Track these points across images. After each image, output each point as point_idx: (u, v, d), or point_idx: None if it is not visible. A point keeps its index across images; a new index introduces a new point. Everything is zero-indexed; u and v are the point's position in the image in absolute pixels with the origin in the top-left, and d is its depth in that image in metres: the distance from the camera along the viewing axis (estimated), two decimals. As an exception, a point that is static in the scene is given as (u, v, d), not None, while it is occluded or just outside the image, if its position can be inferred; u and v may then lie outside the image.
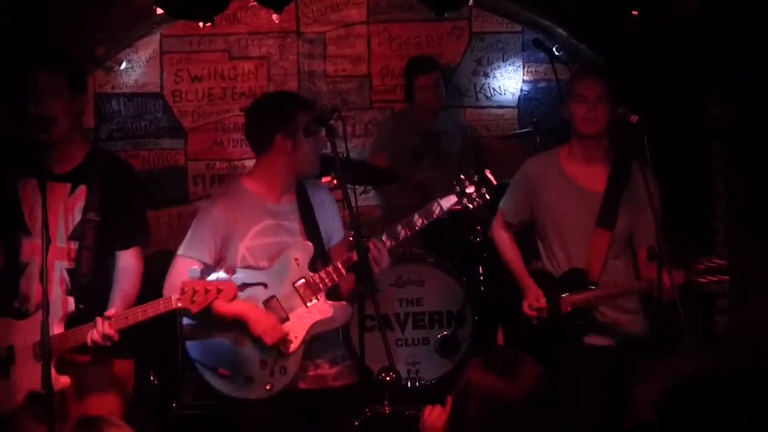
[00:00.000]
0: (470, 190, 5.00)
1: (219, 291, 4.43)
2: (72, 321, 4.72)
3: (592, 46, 8.10)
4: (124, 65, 8.42)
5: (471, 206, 5.01)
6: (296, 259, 4.94)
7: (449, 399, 3.48)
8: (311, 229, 5.04)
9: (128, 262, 4.96)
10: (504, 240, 5.73)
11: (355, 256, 4.80)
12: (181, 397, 7.07)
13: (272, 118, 5.07)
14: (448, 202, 5.01)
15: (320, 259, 5.00)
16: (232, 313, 4.82)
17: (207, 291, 4.43)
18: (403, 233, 4.97)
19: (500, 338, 5.89)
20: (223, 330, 4.90)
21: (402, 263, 6.90)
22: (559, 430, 3.33)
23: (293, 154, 5.02)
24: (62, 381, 4.66)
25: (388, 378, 4.77)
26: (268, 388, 4.86)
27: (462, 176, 5.04)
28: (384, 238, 4.95)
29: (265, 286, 4.91)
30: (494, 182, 5.02)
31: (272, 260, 4.96)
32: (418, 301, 7.21)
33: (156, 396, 6.89)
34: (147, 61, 8.46)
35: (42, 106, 4.77)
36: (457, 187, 5.02)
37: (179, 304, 4.51)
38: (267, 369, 4.87)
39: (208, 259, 4.93)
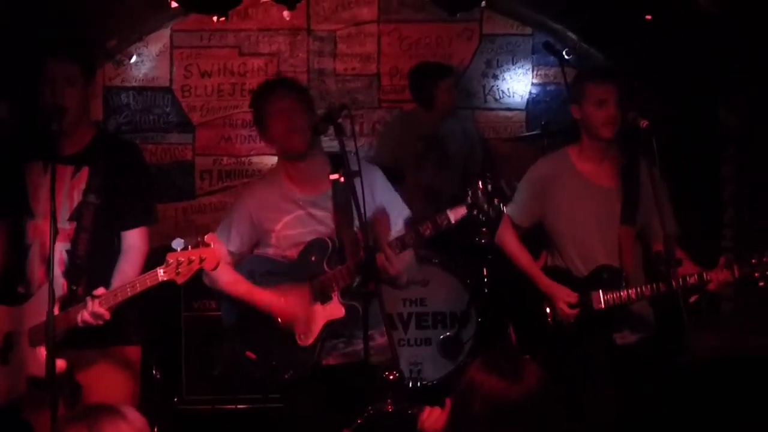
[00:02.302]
0: (482, 201, 4.86)
1: (202, 260, 4.39)
2: (66, 304, 4.66)
3: (603, 50, 8.09)
4: (134, 59, 8.43)
5: (482, 217, 4.90)
6: (313, 258, 5.01)
7: (448, 401, 3.47)
8: (343, 219, 5.02)
9: (131, 243, 4.91)
10: (513, 243, 5.62)
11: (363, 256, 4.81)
12: (183, 391, 7.08)
13: (254, 121, 5.26)
14: (458, 213, 4.89)
15: (348, 249, 5.01)
16: (260, 302, 5.00)
17: (190, 261, 4.38)
18: (411, 241, 4.95)
19: (512, 338, 5.85)
20: (253, 316, 5.02)
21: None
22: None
23: (273, 140, 5.12)
24: (58, 364, 4.53)
25: (391, 376, 4.73)
26: (286, 376, 5.01)
27: (476, 184, 4.89)
28: (393, 244, 4.93)
29: (288, 277, 5.02)
30: (508, 193, 4.95)
31: (299, 252, 5.05)
32: (422, 301, 7.22)
33: (158, 390, 6.89)
34: (157, 56, 8.46)
35: (56, 95, 4.75)
36: (470, 199, 4.88)
37: (164, 278, 4.45)
38: (286, 359, 4.99)
39: (233, 248, 5.12)
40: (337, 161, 5.03)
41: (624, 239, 5.40)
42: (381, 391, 4.76)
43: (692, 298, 5.36)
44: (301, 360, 5.00)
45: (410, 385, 6.99)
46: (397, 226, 5.16)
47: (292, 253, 5.06)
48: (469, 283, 7.20)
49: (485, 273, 7.33)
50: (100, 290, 4.60)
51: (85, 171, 4.86)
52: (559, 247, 5.53)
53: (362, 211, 4.66)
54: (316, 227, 5.06)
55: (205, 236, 4.47)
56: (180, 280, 4.45)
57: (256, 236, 5.13)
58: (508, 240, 5.63)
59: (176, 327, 7.12)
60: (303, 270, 5.01)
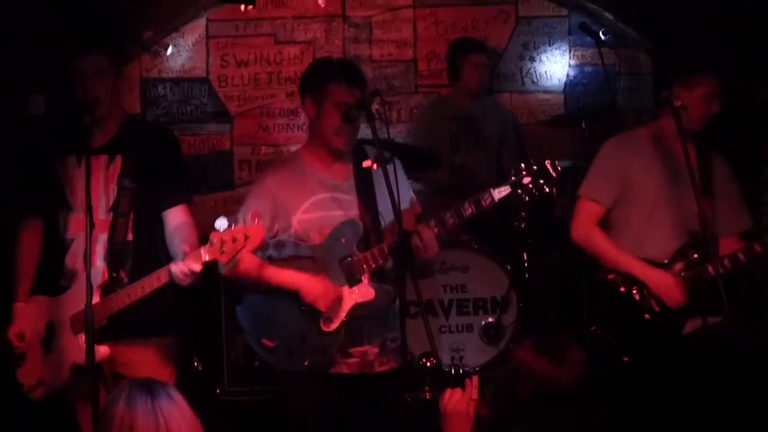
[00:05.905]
0: (527, 180, 4.71)
1: (246, 237, 4.30)
2: (107, 290, 4.69)
3: (640, 30, 8.03)
4: (170, 50, 8.45)
5: (526, 198, 4.74)
6: (344, 239, 4.88)
7: (467, 382, 3.49)
8: (367, 204, 4.93)
9: (180, 219, 4.90)
10: (600, 236, 5.43)
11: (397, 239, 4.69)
12: (225, 382, 7.10)
13: (306, 78, 5.08)
14: (501, 192, 4.73)
15: (373, 235, 4.90)
16: (287, 282, 4.85)
17: (235, 239, 4.30)
18: (451, 221, 4.80)
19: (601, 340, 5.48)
20: (271, 302, 4.93)
21: (446, 249, 6.79)
22: (607, 419, 3.34)
23: (317, 121, 4.95)
24: (101, 351, 4.62)
25: (428, 363, 4.73)
26: (306, 363, 4.85)
27: (521, 165, 4.75)
28: (432, 224, 4.81)
29: (314, 260, 4.88)
30: (554, 174, 4.72)
31: (323, 235, 4.91)
32: (463, 287, 7.19)
33: (200, 381, 6.92)
34: (193, 46, 8.48)
35: (87, 88, 4.80)
36: (513, 177, 4.75)
37: (208, 257, 4.41)
38: (307, 345, 4.86)
39: None
40: (360, 151, 4.99)
41: (706, 210, 5.14)
42: (419, 378, 4.75)
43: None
44: (323, 345, 4.86)
45: (452, 372, 6.97)
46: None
47: (315, 236, 4.92)
48: (509, 268, 7.17)
49: (525, 257, 7.32)
50: (186, 248, 4.57)
51: (118, 160, 4.89)
52: (639, 227, 5.39)
53: (396, 195, 4.54)
54: (338, 212, 4.93)
55: (249, 214, 4.43)
56: (224, 260, 4.39)
57: (276, 222, 4.95)
58: (594, 234, 5.45)
59: (217, 317, 7.14)
60: (331, 251, 4.88)
